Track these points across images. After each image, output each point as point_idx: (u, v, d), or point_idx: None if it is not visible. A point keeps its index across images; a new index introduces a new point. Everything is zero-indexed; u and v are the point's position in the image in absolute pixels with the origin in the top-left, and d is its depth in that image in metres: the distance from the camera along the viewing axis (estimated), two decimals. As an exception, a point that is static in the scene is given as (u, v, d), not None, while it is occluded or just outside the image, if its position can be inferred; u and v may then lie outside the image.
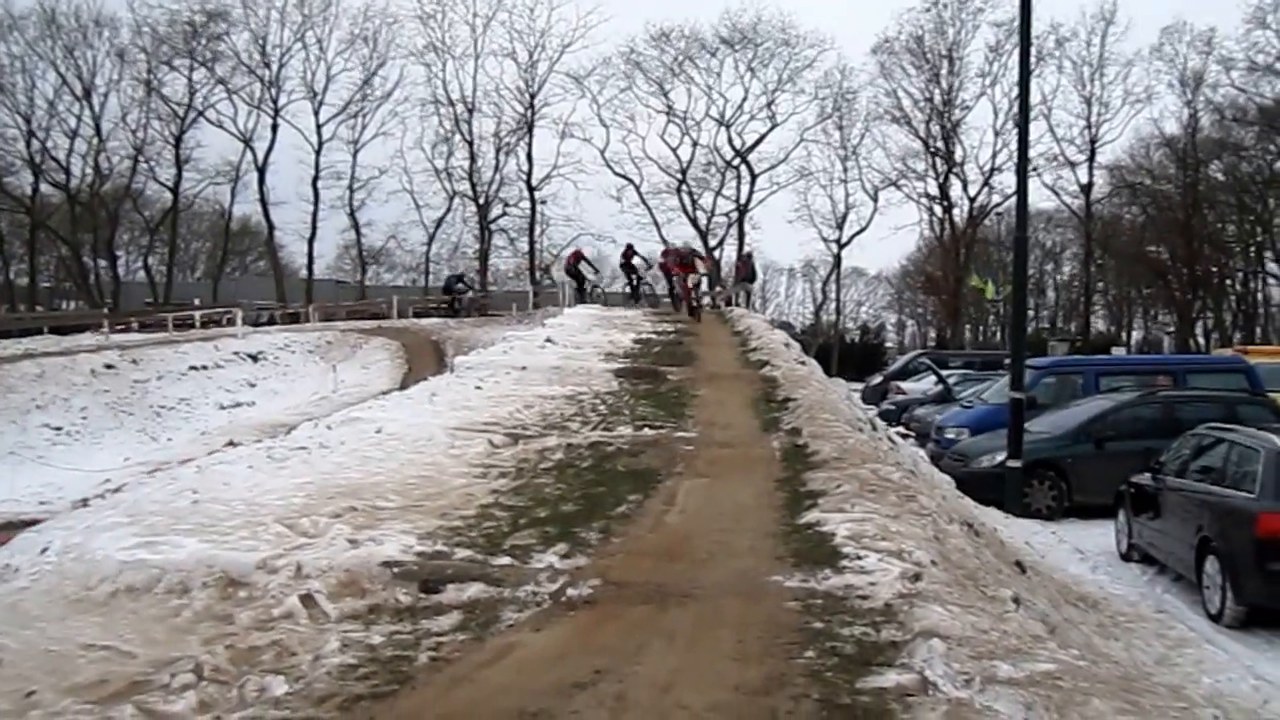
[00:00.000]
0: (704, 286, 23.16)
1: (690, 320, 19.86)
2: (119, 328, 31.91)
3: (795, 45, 46.28)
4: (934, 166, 46.17)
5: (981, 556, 6.38)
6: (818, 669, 3.67)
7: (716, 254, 44.18)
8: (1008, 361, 15.13)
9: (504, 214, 47.05)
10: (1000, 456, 13.19)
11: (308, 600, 4.52)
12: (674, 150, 47.52)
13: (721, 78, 47.04)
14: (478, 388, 11.13)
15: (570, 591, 4.61)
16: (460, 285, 34.17)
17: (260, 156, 45.01)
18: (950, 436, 15.98)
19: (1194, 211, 42.98)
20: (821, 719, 3.30)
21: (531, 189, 46.22)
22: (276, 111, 44.93)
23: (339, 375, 23.50)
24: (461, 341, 24.38)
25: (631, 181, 47.29)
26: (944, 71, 45.34)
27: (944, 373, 23.07)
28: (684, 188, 47.49)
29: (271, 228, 46.79)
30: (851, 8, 66.68)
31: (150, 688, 3.71)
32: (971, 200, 45.84)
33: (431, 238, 47.47)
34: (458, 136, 46.18)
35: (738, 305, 26.74)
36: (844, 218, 47.54)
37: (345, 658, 3.93)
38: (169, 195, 46.11)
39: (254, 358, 25.34)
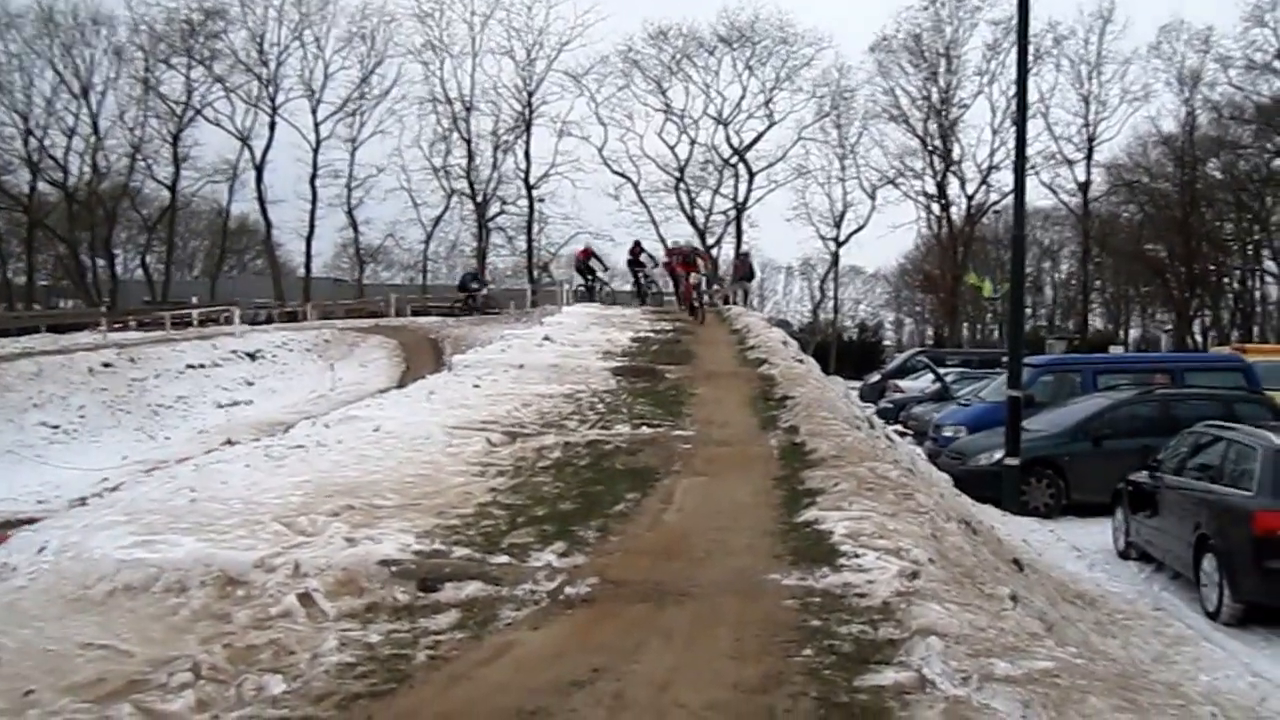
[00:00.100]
0: (703, 286, 23.13)
1: (692, 319, 19.83)
2: (116, 326, 31.87)
3: (793, 44, 46.33)
4: (932, 165, 46.21)
5: (979, 554, 6.38)
6: (815, 667, 3.68)
7: (714, 252, 44.18)
8: (1005, 359, 15.15)
9: (502, 212, 47.10)
10: (998, 454, 13.21)
11: (305, 599, 4.51)
12: (672, 149, 47.58)
13: (719, 76, 47.10)
14: (476, 386, 11.13)
15: (568, 590, 4.61)
16: (475, 283, 34.23)
17: (258, 155, 45.04)
18: (948, 434, 15.98)
19: (1192, 210, 43.00)
20: (819, 717, 3.30)
21: (529, 187, 46.21)
22: (274, 110, 44.93)
23: (337, 374, 23.50)
24: (459, 340, 24.35)
25: (629, 180, 47.35)
26: (942, 70, 45.37)
27: (941, 371, 23.08)
28: (682, 186, 47.52)
29: (269, 226, 46.81)
30: (849, 6, 66.76)
31: (148, 686, 3.71)
32: (969, 198, 45.93)
33: (429, 236, 47.58)
34: (455, 135, 46.18)
35: (736, 304, 26.71)
36: (842, 216, 47.63)
37: (343, 656, 3.93)
38: (167, 193, 46.06)
39: (252, 356, 25.33)
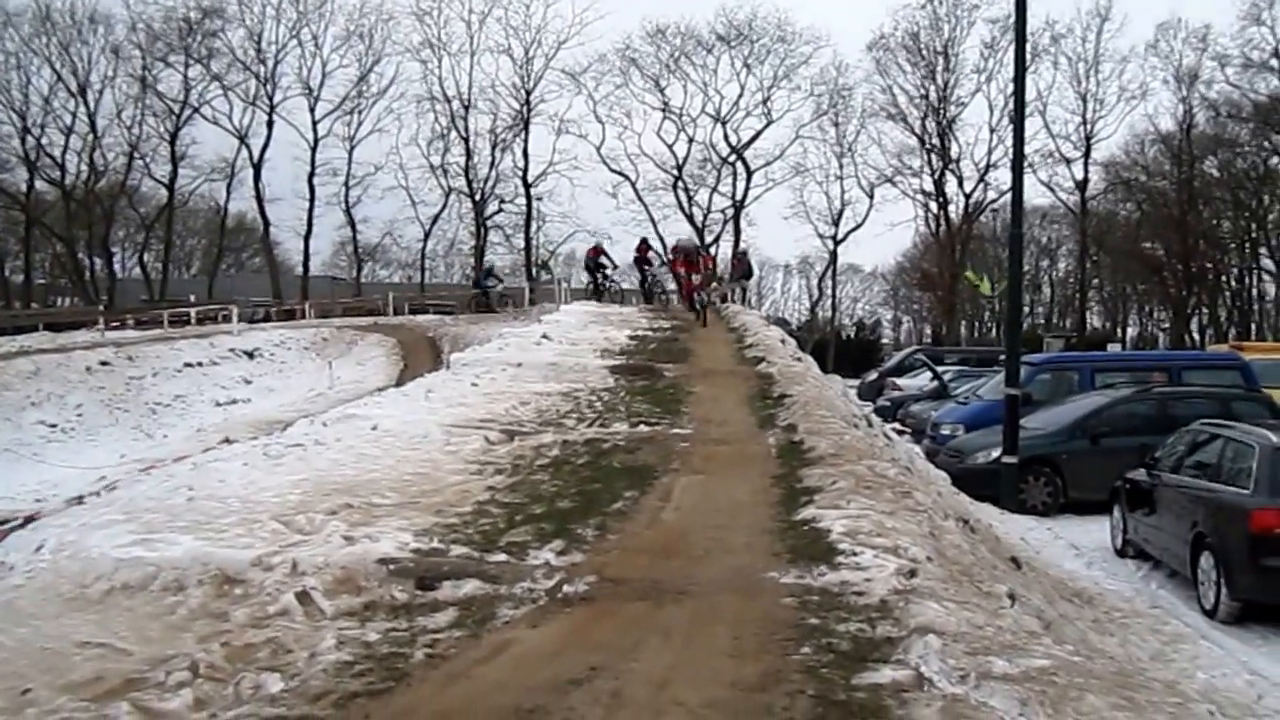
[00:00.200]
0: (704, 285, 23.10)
1: (692, 319, 19.79)
2: (114, 325, 31.87)
3: (791, 42, 46.32)
4: (929, 163, 46.22)
5: (977, 552, 6.39)
6: (813, 665, 3.68)
7: (712, 250, 44.14)
8: (1003, 358, 15.15)
9: (500, 210, 47.08)
10: (995, 452, 13.21)
11: (303, 597, 4.51)
12: (670, 147, 47.59)
13: (717, 74, 47.10)
14: (474, 384, 11.12)
15: (566, 588, 4.61)
16: (491, 280, 34.26)
17: (256, 153, 44.99)
18: (946, 433, 15.99)
19: (1189, 208, 43.05)
20: (817, 715, 3.30)
21: (527, 185, 46.18)
22: (272, 108, 44.86)
23: (335, 372, 23.47)
24: (458, 338, 24.35)
25: (627, 178, 47.33)
26: (939, 68, 45.38)
27: (939, 369, 23.09)
28: (680, 184, 47.52)
29: (267, 224, 46.74)
30: (847, 4, 66.59)
31: (146, 685, 3.71)
32: (967, 196, 45.97)
33: (427, 234, 47.56)
34: (453, 133, 46.13)
35: (734, 302, 26.70)
36: (840, 214, 47.67)
37: (341, 655, 3.93)
38: (164, 192, 46.05)
39: (249, 354, 25.32)
